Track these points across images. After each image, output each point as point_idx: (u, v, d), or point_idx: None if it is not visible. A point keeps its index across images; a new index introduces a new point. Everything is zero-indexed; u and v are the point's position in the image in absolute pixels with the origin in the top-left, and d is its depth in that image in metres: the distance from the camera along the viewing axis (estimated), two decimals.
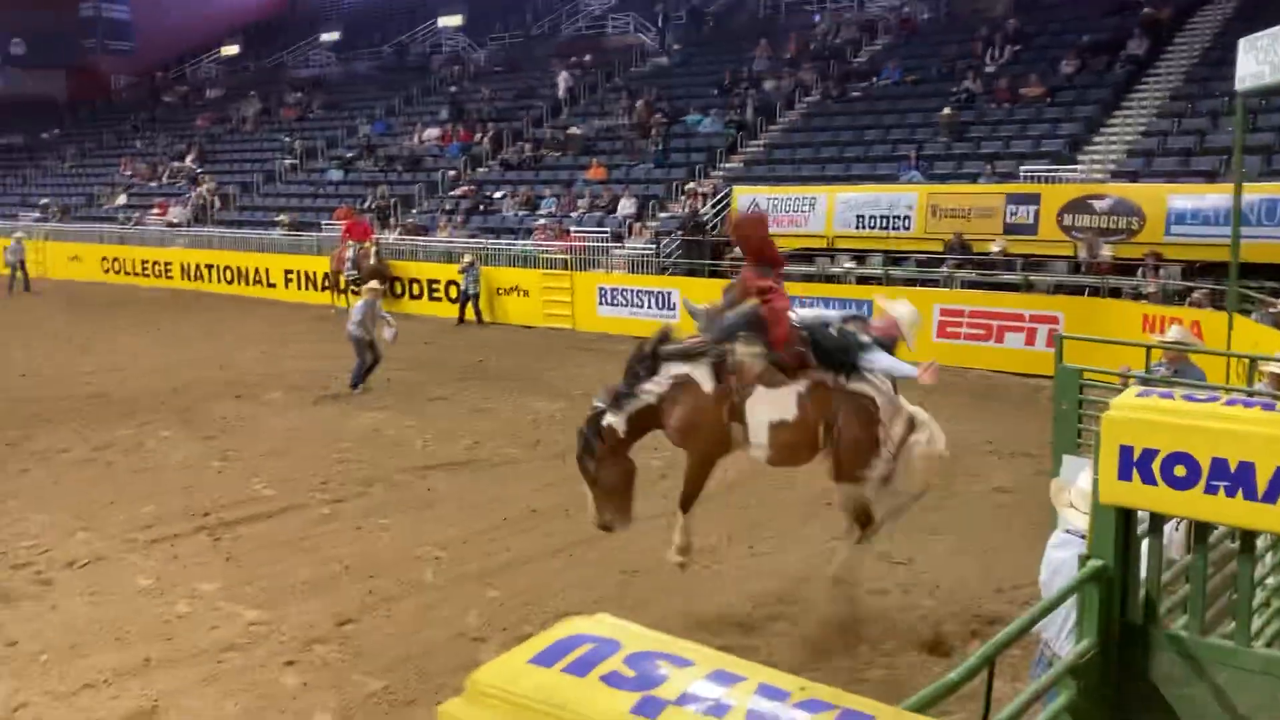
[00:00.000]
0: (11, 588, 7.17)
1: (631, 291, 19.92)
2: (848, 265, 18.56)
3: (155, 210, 32.04)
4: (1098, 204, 16.68)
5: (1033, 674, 4.44)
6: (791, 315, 6.62)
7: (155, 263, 28.61)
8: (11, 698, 5.61)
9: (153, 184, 34.20)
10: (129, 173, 35.57)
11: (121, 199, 33.88)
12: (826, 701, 1.44)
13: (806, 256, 18.98)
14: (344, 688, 5.80)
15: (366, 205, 26.75)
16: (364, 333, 13.80)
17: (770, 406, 6.44)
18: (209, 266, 27.10)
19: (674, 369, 6.68)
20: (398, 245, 24.22)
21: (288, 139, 33.13)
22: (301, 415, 12.77)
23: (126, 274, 29.27)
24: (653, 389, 6.71)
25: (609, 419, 6.75)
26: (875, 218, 18.71)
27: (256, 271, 26.07)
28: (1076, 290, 16.27)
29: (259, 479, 9.85)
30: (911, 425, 6.40)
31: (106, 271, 29.53)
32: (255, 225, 28.71)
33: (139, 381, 14.84)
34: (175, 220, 30.70)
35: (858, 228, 18.92)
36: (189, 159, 34.50)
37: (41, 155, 40.87)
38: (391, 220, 26.04)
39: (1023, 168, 18.45)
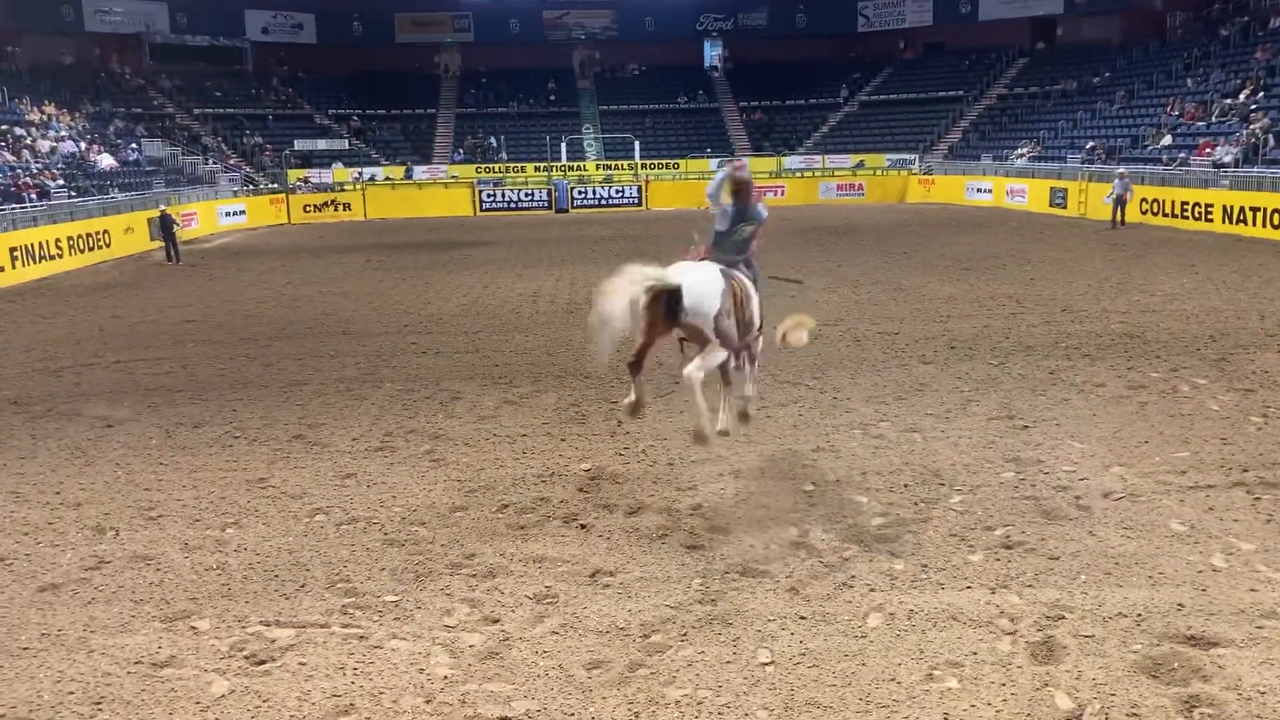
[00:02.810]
0: (1054, 507, 7.70)
1: None
2: None
3: (1199, 150, 31.14)
4: None
5: None
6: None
7: (1195, 204, 27.88)
8: (1051, 608, 6.06)
9: (1200, 123, 33.23)
10: (1175, 113, 35.08)
11: (1166, 139, 33.62)
12: None
13: None
14: None
15: None
16: None
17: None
18: (1254, 209, 25.48)
19: None
20: None
21: None
22: None
23: (1164, 215, 29.09)
24: None
25: None
26: None
27: None
28: None
29: None
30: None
31: (1144, 213, 29.68)
32: None
33: (1172, 324, 14.71)
34: (1222, 160, 29.46)
35: None
36: (1242, 95, 32.67)
37: (1091, 99, 42.51)
38: None
39: None
